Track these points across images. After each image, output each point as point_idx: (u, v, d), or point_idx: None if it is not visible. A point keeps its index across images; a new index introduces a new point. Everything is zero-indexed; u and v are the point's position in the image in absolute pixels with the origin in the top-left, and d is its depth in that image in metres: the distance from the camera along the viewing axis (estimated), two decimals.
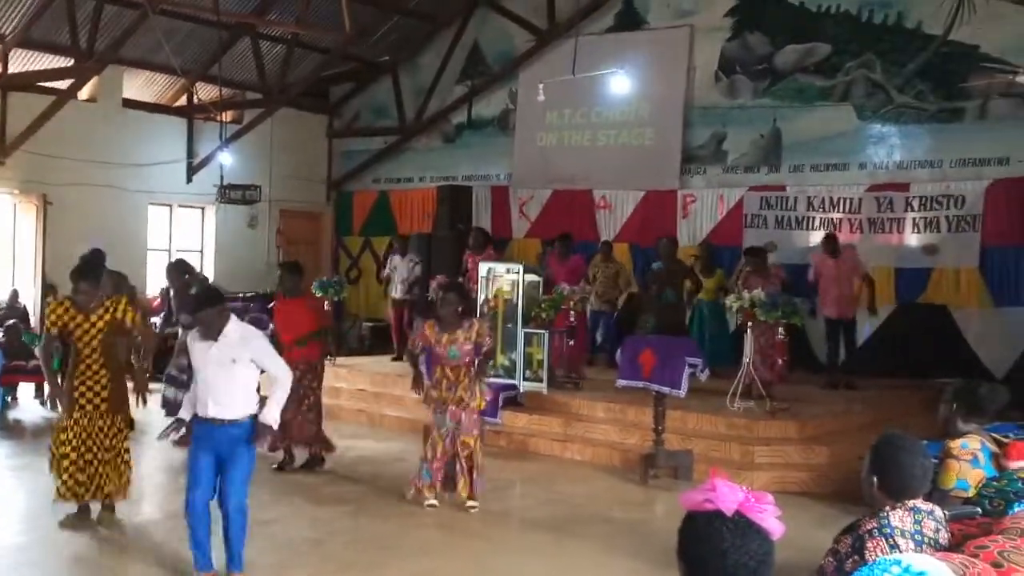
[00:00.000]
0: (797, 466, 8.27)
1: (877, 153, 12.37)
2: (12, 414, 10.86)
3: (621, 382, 8.54)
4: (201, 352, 5.42)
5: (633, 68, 12.76)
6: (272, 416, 5.42)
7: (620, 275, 12.40)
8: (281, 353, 8.38)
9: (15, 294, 13.11)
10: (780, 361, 9.52)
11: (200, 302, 5.53)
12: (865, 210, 12.17)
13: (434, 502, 7.21)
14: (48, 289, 13.18)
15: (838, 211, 12.34)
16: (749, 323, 9.13)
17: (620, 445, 9.10)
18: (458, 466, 7.18)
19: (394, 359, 12.85)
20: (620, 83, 12.53)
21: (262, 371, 5.54)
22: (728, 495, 1.99)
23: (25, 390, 11.46)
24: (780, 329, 9.21)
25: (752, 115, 13.26)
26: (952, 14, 11.70)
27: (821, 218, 12.46)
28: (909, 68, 12.07)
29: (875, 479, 3.22)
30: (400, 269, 13.06)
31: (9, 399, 11.16)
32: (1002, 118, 11.45)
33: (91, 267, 6.78)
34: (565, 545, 6.50)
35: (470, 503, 7.21)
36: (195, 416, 5.43)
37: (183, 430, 5.52)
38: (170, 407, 8.49)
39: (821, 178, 12.68)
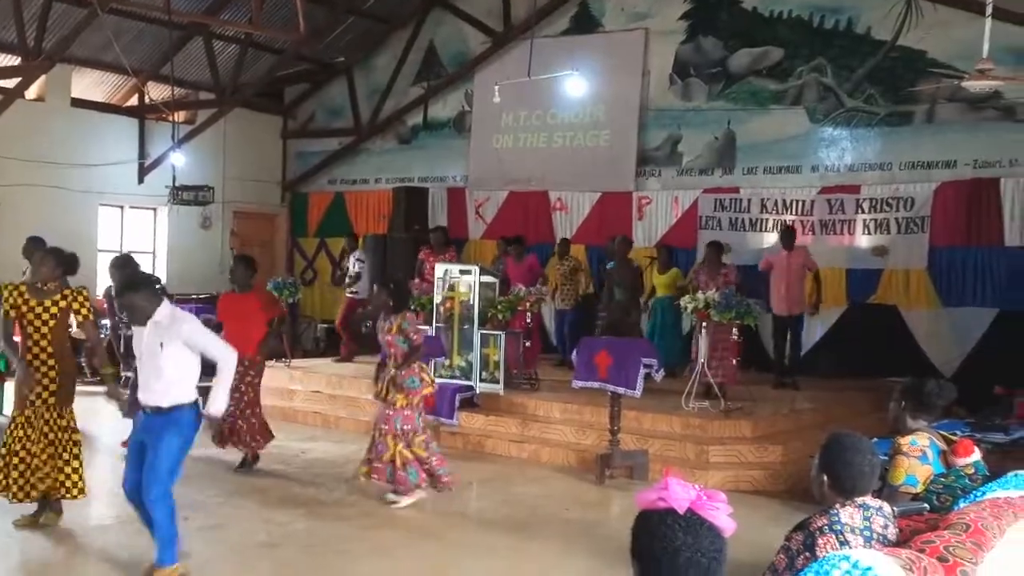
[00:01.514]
0: (750, 465, 8.36)
1: (829, 156, 12.55)
2: None
3: (577, 383, 8.57)
4: (136, 338, 5.38)
5: (588, 71, 12.82)
6: (217, 405, 5.35)
7: (579, 271, 12.49)
8: None
9: None
10: (734, 361, 9.61)
11: (124, 286, 5.44)
12: (817, 212, 12.34)
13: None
14: None
15: (791, 213, 12.50)
16: (703, 323, 9.22)
17: (576, 445, 9.14)
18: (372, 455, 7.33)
19: (337, 360, 12.86)
20: (576, 85, 12.58)
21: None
22: (680, 493, 2.01)
23: None
24: (734, 329, 9.30)
25: (707, 118, 13.39)
26: (900, 20, 11.91)
27: (774, 220, 12.60)
28: (859, 73, 12.26)
29: (825, 477, 3.27)
30: (350, 265, 13.20)
31: None
32: (949, 122, 11.67)
33: (64, 253, 6.65)
34: (522, 546, 6.51)
35: (389, 496, 7.33)
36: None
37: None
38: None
39: (774, 180, 12.83)
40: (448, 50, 15.73)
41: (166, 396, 5.24)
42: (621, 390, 8.18)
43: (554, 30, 14.45)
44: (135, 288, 5.32)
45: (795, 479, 7.93)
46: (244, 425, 8.19)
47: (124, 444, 8.48)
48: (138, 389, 5.39)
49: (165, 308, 5.32)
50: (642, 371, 8.16)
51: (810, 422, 9.51)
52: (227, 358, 5.37)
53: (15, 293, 6.29)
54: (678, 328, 11.60)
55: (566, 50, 13.74)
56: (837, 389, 10.99)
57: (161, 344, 5.20)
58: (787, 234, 11.01)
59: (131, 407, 5.80)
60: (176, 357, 5.23)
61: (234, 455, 8.40)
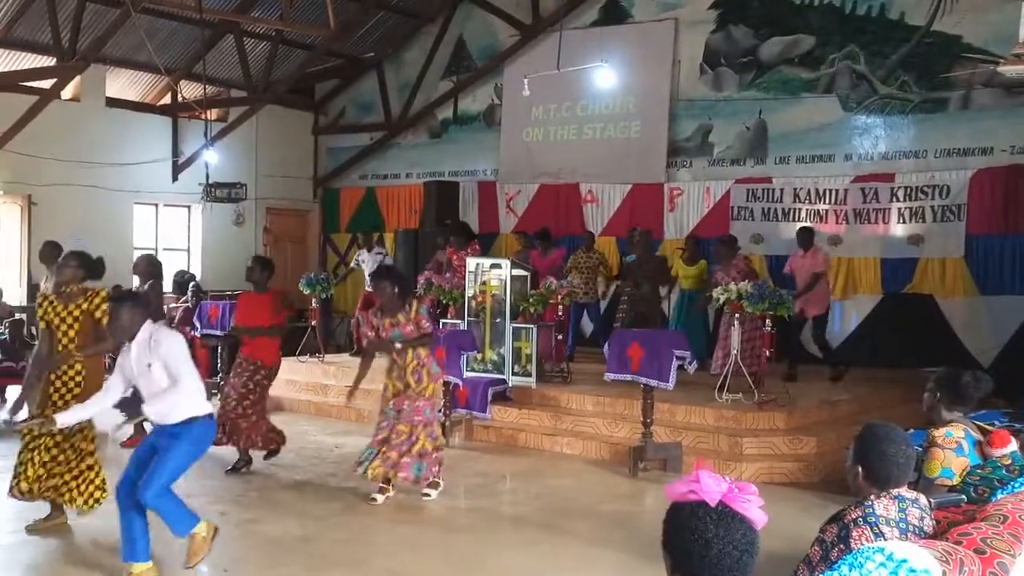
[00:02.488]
0: (784, 457, 8.31)
1: (862, 144, 12.41)
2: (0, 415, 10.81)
3: (609, 375, 8.55)
4: (127, 357, 5.27)
5: (618, 62, 12.77)
6: (68, 418, 5.39)
7: (602, 266, 12.48)
8: (239, 346, 8.37)
9: None
10: (767, 353, 9.55)
11: (113, 298, 5.45)
12: (851, 201, 12.21)
13: (378, 496, 7.21)
14: (34, 289, 13.11)
15: (824, 202, 12.38)
16: (736, 315, 9.17)
17: (609, 438, 9.13)
18: (397, 453, 7.16)
19: (353, 354, 12.91)
20: (605, 77, 12.54)
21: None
22: (711, 486, 2.01)
23: (14, 392, 11.37)
24: (767, 321, 9.24)
25: (738, 107, 13.29)
26: (934, 5, 11.74)
27: (807, 210, 12.50)
28: (893, 59, 12.11)
29: (860, 469, 3.24)
30: (368, 263, 13.17)
31: None
32: (985, 108, 11.50)
33: (89, 258, 6.59)
34: (554, 539, 6.51)
35: (425, 491, 7.28)
36: None
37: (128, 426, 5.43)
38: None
39: (807, 170, 12.72)
40: (477, 44, 15.73)
41: (174, 412, 5.21)
42: (654, 382, 8.16)
43: (583, 21, 14.40)
44: (121, 302, 5.30)
45: (829, 470, 7.89)
46: (245, 424, 8.07)
47: (126, 444, 8.58)
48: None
49: (147, 328, 5.25)
50: (675, 363, 8.13)
51: (844, 413, 9.44)
52: (187, 384, 5.18)
53: (46, 303, 6.36)
54: (705, 320, 11.55)
55: (595, 41, 13.69)
56: (872, 380, 10.88)
57: (148, 364, 5.16)
58: (803, 234, 10.88)
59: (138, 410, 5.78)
60: (174, 377, 5.16)
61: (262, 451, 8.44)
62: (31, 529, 6.37)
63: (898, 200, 11.95)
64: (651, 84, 13.84)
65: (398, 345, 7.12)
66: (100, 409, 5.40)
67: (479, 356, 10.21)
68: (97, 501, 6.38)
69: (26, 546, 6.20)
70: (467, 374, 9.83)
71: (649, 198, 13.79)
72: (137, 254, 14.75)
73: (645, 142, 13.98)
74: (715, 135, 13.52)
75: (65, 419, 5.42)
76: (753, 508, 2.03)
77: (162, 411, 5.20)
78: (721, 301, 9.24)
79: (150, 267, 9.35)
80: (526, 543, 6.44)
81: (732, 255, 10.52)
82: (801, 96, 12.79)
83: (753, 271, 10.50)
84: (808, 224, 11.57)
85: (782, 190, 12.75)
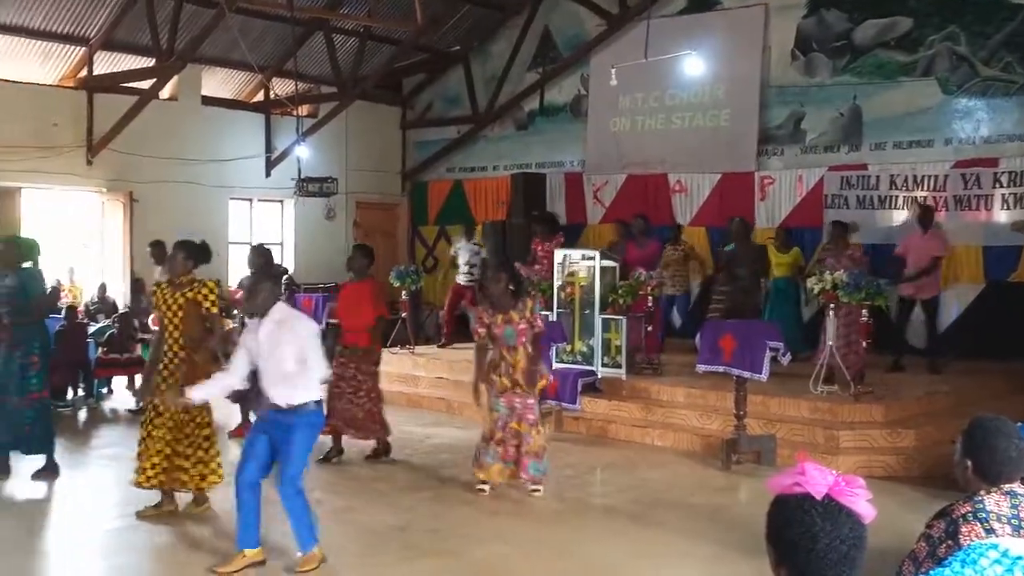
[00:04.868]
0: (883, 450, 8.11)
1: (963, 128, 12.00)
2: (107, 405, 11.23)
3: (701, 367, 8.46)
4: (253, 337, 5.39)
5: (707, 49, 12.61)
6: (199, 394, 5.61)
7: (689, 257, 12.35)
8: (339, 337, 8.51)
9: (103, 288, 13.54)
10: (864, 344, 9.31)
11: (256, 274, 5.59)
12: (951, 187, 11.81)
13: (484, 486, 7.25)
14: (136, 283, 13.58)
15: (923, 189, 12.01)
16: (831, 305, 8.95)
17: (701, 430, 9.03)
18: (512, 451, 7.18)
19: (440, 346, 12.99)
20: (694, 65, 12.39)
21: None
22: (818, 478, 1.96)
23: (119, 382, 11.82)
24: (864, 311, 9.01)
25: (831, 93, 12.98)
26: None
27: (905, 197, 12.14)
28: (995, 39, 11.67)
29: (969, 463, 3.13)
30: (463, 253, 13.24)
31: (105, 391, 11.56)
32: None
33: (194, 245, 6.81)
34: (646, 530, 6.48)
35: (533, 488, 7.25)
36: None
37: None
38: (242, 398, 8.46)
39: (904, 156, 12.35)
40: (563, 34, 15.68)
41: (293, 395, 5.33)
42: (747, 374, 8.03)
43: (670, 10, 14.23)
44: (265, 278, 5.48)
45: (930, 465, 7.67)
46: (361, 414, 8.20)
47: (234, 434, 8.79)
48: (259, 385, 5.45)
49: (281, 307, 5.42)
50: (768, 355, 8.00)
51: (945, 406, 9.16)
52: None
53: (158, 291, 6.66)
54: (798, 310, 11.33)
55: (683, 29, 13.53)
56: (973, 371, 10.53)
57: (278, 344, 5.27)
58: (924, 214, 10.57)
59: (255, 401, 5.94)
60: (296, 356, 5.28)
61: (361, 441, 8.58)
62: (141, 515, 6.60)
63: (1001, 186, 11.52)
64: (741, 71, 13.61)
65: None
66: (226, 386, 5.69)
67: (568, 347, 10.20)
68: (212, 484, 6.66)
69: (136, 530, 6.42)
70: (556, 365, 9.84)
71: (739, 187, 13.57)
72: (232, 249, 15.18)
73: (735, 130, 13.76)
74: (807, 122, 13.23)
75: (197, 394, 5.64)
76: (861, 501, 1.98)
77: (286, 393, 5.31)
78: (816, 291, 9.04)
79: (259, 258, 9.55)
80: (617, 534, 6.42)
81: (844, 239, 10.25)
82: (898, 80, 12.42)
83: (867, 262, 10.07)
84: (926, 203, 11.23)
85: (878, 177, 12.41)
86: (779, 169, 13.38)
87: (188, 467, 6.53)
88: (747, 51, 13.59)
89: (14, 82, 13.11)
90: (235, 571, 5.42)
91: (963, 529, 2.94)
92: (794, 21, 13.26)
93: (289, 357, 5.27)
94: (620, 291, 10.11)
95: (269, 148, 15.89)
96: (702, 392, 9.42)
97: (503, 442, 7.16)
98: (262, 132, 15.89)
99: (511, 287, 7.15)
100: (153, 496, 6.69)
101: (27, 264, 7.58)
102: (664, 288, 12.04)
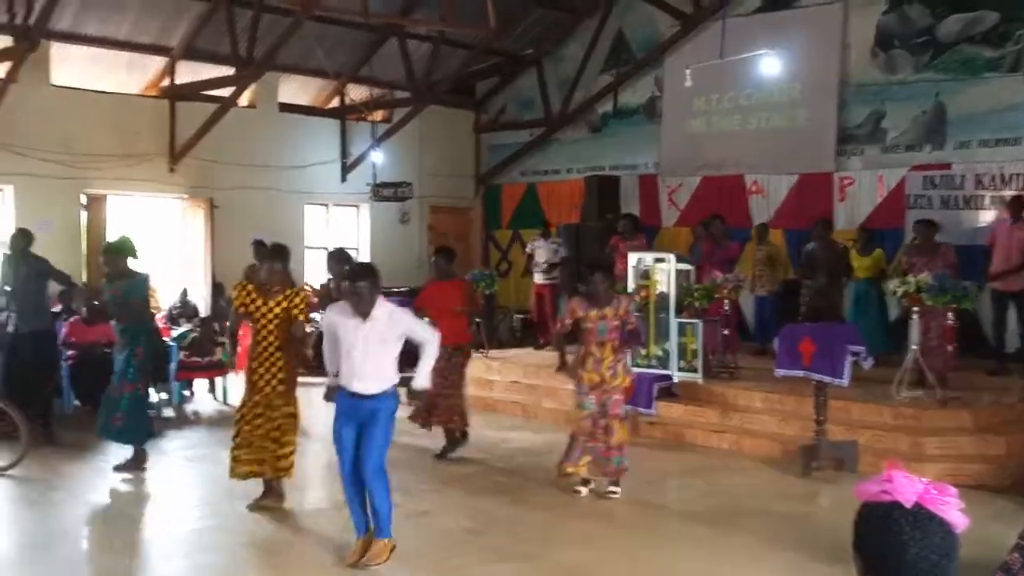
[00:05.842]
0: (971, 458, 7.86)
1: None
2: (189, 408, 11.47)
3: (779, 371, 8.30)
4: (351, 331, 5.58)
5: (784, 48, 12.41)
6: (422, 380, 5.83)
7: (774, 258, 12.13)
8: None
9: (185, 293, 13.84)
10: (950, 348, 9.04)
11: (358, 273, 5.69)
12: None
13: (581, 488, 7.30)
14: (217, 288, 13.86)
15: (1010, 188, 11.62)
16: (915, 308, 8.70)
17: (779, 436, 8.87)
18: (602, 446, 7.24)
19: (538, 348, 13.00)
20: (770, 64, 12.20)
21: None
22: (907, 486, 1.90)
23: (200, 385, 12.07)
24: (949, 314, 8.75)
25: (913, 91, 12.66)
26: None
27: (991, 197, 11.78)
28: None
29: None
30: (541, 252, 13.23)
31: (186, 394, 11.80)
32: None
33: (281, 252, 7.02)
34: (724, 537, 6.39)
35: (611, 489, 7.27)
36: (341, 389, 5.67)
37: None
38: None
39: (991, 154, 11.98)
40: (637, 36, 15.58)
41: (381, 384, 5.61)
42: (827, 378, 7.86)
43: (746, 8, 14.04)
44: (369, 276, 5.59)
45: (1022, 474, 7.41)
46: (442, 404, 8.48)
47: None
48: (342, 378, 5.66)
49: (383, 304, 5.63)
50: (849, 359, 7.81)
51: None
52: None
53: (243, 292, 6.81)
54: (883, 313, 11.05)
55: (759, 28, 13.32)
56: None
57: (383, 340, 5.55)
58: (1015, 203, 10.23)
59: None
60: (395, 351, 5.66)
61: (437, 443, 8.63)
62: (252, 507, 6.83)
63: None
64: (818, 70, 13.36)
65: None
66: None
67: (644, 351, 10.10)
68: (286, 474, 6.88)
69: (219, 531, 6.55)
70: (632, 369, 9.76)
71: (818, 188, 13.31)
72: (308, 253, 15.41)
73: (812, 130, 13.51)
74: (888, 120, 12.92)
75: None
76: (952, 510, 1.91)
77: (376, 383, 5.58)
78: (899, 294, 8.81)
79: (340, 263, 9.69)
80: (696, 540, 6.34)
81: (932, 239, 9.94)
82: (984, 76, 12.06)
83: (957, 265, 9.69)
84: (1019, 193, 10.87)
85: (963, 176, 12.06)
86: (859, 169, 13.09)
87: (266, 453, 6.77)
88: (825, 49, 13.33)
89: (101, 92, 13.49)
90: (385, 559, 5.60)
91: None
92: (874, 17, 12.97)
93: (391, 352, 5.62)
94: (696, 294, 9.99)
95: (344, 153, 16.09)
96: (780, 397, 9.25)
97: (594, 436, 7.24)
98: (337, 138, 16.10)
99: (608, 284, 7.29)
100: (248, 490, 6.90)
101: (137, 269, 8.02)
102: (754, 288, 11.90)
